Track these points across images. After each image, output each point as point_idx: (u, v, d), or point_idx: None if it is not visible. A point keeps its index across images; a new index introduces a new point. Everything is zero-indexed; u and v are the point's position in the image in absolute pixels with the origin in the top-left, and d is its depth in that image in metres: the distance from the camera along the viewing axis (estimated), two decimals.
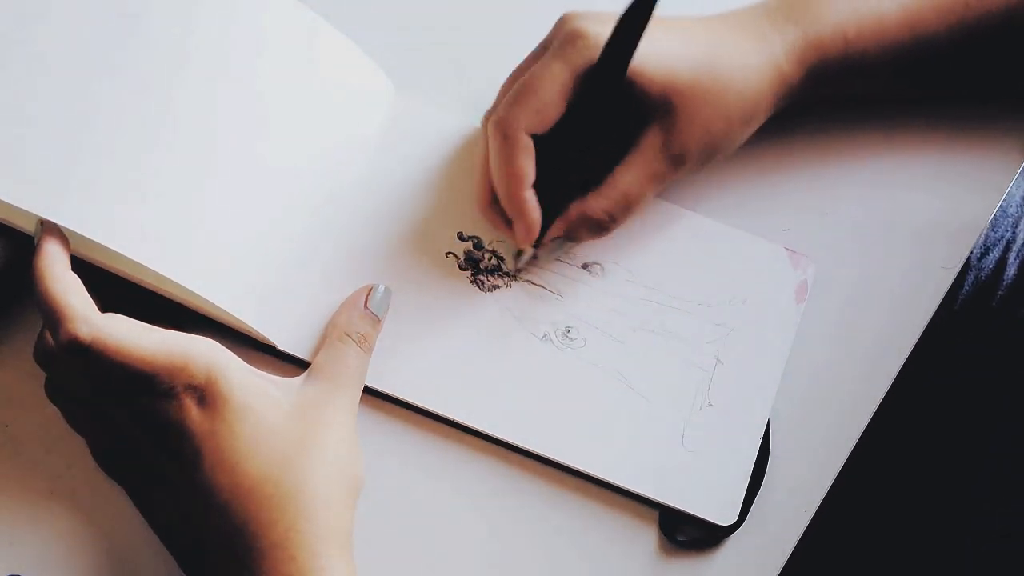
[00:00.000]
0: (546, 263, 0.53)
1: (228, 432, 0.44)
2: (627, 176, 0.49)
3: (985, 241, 0.68)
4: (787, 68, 0.51)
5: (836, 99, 0.55)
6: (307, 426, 0.46)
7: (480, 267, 0.52)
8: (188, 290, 0.46)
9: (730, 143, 0.51)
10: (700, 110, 0.49)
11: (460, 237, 0.53)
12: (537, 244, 0.51)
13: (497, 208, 0.51)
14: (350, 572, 0.45)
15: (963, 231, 0.55)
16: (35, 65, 0.45)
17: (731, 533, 0.50)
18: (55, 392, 0.47)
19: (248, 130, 0.49)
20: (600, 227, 0.50)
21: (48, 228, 0.44)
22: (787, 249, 0.53)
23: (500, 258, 0.53)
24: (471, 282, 0.52)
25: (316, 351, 0.50)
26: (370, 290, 0.50)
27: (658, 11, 0.45)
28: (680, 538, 0.51)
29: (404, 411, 0.51)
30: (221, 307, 0.47)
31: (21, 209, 0.44)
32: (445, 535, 0.50)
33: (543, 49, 0.50)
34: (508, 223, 0.50)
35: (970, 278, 0.68)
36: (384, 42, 0.54)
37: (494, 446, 0.51)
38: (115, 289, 0.48)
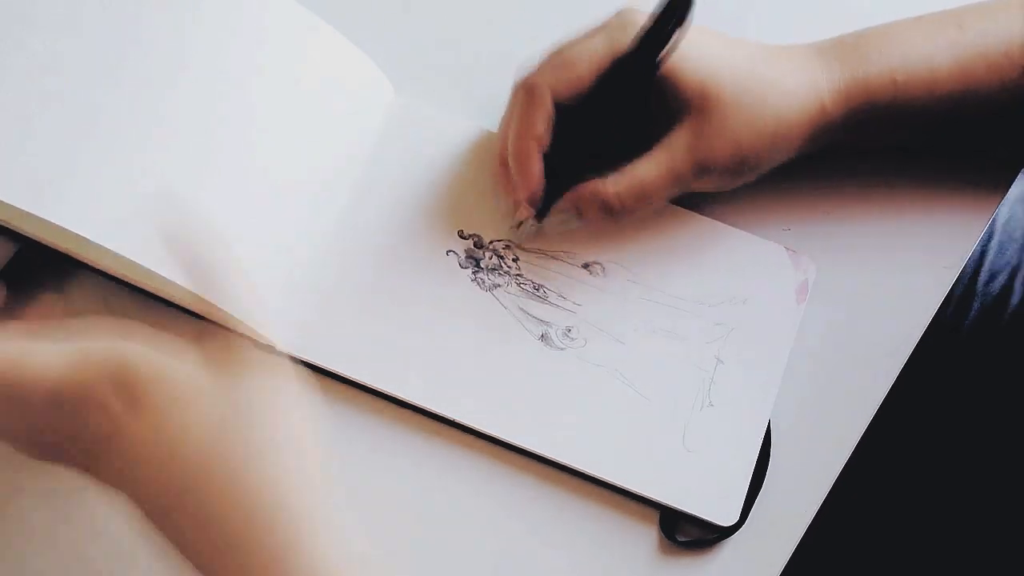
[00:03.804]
0: (553, 243, 0.53)
1: (162, 431, 0.40)
2: (647, 166, 0.49)
3: (991, 267, 0.68)
4: (829, 103, 0.50)
5: (874, 147, 0.54)
6: (242, 408, 0.42)
7: (480, 265, 0.52)
8: (190, 292, 0.46)
9: (756, 161, 0.50)
10: (733, 118, 0.48)
11: (461, 235, 0.53)
12: (541, 215, 0.50)
13: (507, 169, 0.50)
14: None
15: (964, 231, 0.55)
16: (33, 67, 0.45)
17: (732, 533, 0.50)
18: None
19: (247, 131, 0.49)
20: (608, 209, 0.49)
21: None
22: (788, 249, 0.53)
23: (500, 256, 0.53)
24: (471, 280, 0.52)
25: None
26: None
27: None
28: (680, 538, 0.50)
29: (404, 410, 0.51)
30: (222, 308, 0.47)
31: (19, 210, 0.44)
32: (444, 535, 0.50)
33: (594, 31, 0.50)
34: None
35: (976, 304, 0.68)
36: (383, 43, 0.54)
37: (494, 446, 0.51)
38: (110, 288, 0.48)
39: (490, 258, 0.53)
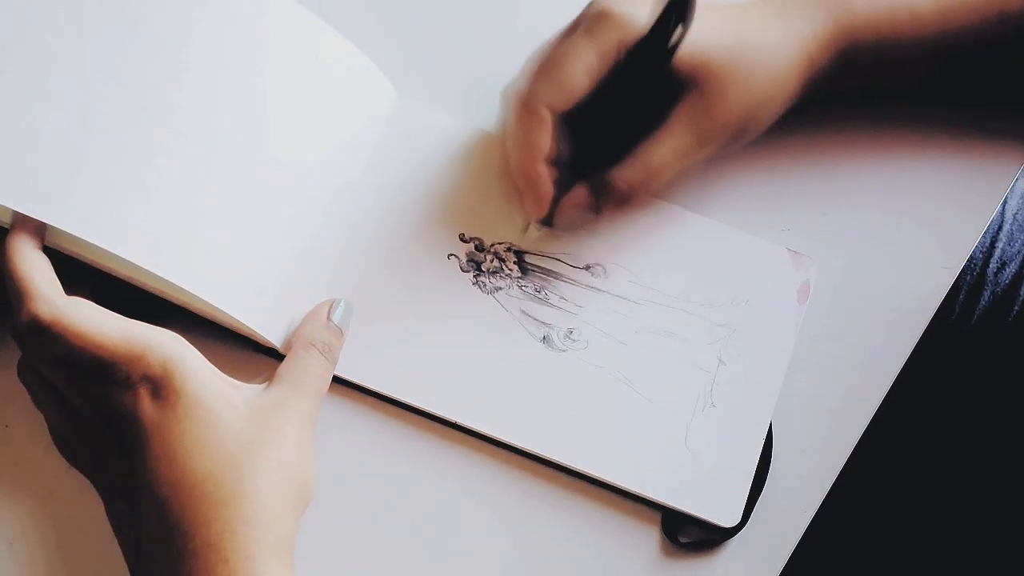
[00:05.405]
0: (554, 245, 0.53)
1: (176, 426, 0.43)
2: (652, 149, 0.49)
3: (1001, 256, 0.68)
4: (816, 53, 0.51)
5: (864, 90, 0.55)
6: (259, 429, 0.45)
7: (482, 269, 0.52)
8: (195, 295, 0.46)
9: (756, 123, 0.52)
10: (727, 88, 0.49)
11: (462, 239, 0.53)
12: (550, 219, 0.51)
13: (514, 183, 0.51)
14: None
15: (964, 231, 0.55)
16: (34, 70, 0.45)
17: (734, 534, 0.50)
18: (24, 370, 0.47)
19: (249, 135, 0.48)
20: (620, 197, 0.50)
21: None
22: (789, 250, 0.53)
23: (502, 259, 0.53)
24: (473, 284, 0.52)
25: None
26: (331, 304, 0.50)
27: None
28: (682, 539, 0.51)
29: (406, 413, 0.51)
30: (226, 311, 0.47)
31: (21, 214, 0.44)
32: (446, 537, 0.50)
33: (571, 30, 0.50)
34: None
35: (986, 294, 0.68)
36: (385, 45, 0.54)
37: (496, 448, 0.51)
38: (103, 283, 0.48)
39: (491, 261, 0.53)
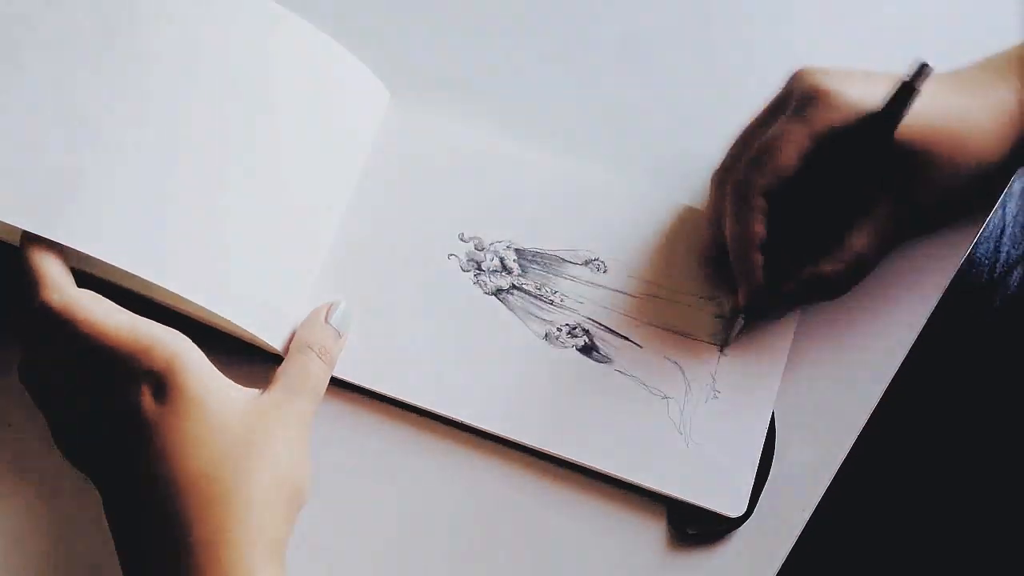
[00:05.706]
0: (553, 242, 0.53)
1: (175, 423, 0.43)
2: (862, 240, 0.49)
3: (1007, 259, 0.69)
4: (1021, 123, 0.49)
5: None
6: (254, 431, 0.45)
7: (482, 268, 0.53)
8: (195, 303, 0.46)
9: (963, 205, 0.51)
10: (935, 170, 0.48)
11: (462, 238, 0.53)
12: (758, 309, 0.51)
13: (721, 265, 0.52)
14: None
15: (963, 231, 0.55)
16: (37, 89, 0.46)
17: (740, 524, 0.50)
18: (26, 370, 0.47)
19: (246, 143, 0.49)
20: (832, 290, 0.50)
21: None
22: None
23: (502, 258, 0.53)
24: (474, 283, 0.53)
25: None
26: (329, 307, 0.50)
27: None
28: (689, 531, 0.50)
29: (406, 413, 0.51)
30: (231, 320, 0.47)
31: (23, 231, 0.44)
32: (455, 534, 0.50)
33: (777, 105, 0.50)
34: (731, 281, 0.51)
35: (998, 300, 0.68)
36: (379, 49, 0.55)
37: (500, 446, 0.51)
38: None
39: (491, 260, 0.53)
